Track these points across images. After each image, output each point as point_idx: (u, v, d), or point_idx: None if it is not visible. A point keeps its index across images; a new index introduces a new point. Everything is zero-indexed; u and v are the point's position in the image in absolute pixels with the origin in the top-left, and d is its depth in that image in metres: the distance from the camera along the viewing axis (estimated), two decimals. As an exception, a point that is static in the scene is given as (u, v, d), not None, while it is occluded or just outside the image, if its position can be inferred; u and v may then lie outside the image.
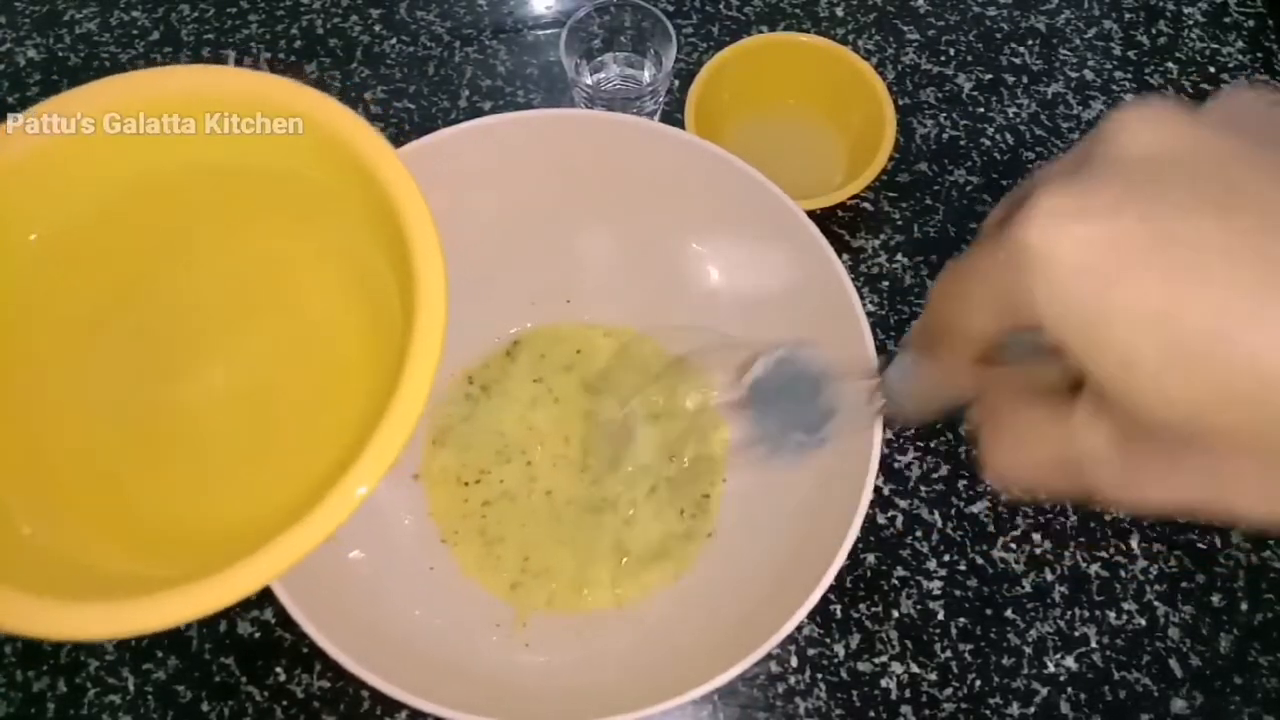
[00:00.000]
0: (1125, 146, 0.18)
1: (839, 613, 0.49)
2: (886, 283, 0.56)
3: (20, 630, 0.24)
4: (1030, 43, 0.63)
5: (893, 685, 0.47)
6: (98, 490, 0.31)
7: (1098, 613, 0.49)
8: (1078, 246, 0.17)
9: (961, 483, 0.51)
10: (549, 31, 0.63)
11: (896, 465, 0.52)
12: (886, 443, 0.52)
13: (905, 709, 0.47)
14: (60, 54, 0.62)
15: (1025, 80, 0.62)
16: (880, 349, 0.41)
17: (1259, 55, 0.63)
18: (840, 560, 0.37)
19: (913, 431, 0.52)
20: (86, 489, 0.31)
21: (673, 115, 0.59)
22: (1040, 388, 0.22)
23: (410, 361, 0.26)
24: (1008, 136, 0.60)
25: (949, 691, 0.47)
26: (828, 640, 0.48)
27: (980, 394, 0.24)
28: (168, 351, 0.34)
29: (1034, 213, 0.18)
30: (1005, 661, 0.48)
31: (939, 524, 0.51)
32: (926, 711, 0.47)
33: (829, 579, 0.37)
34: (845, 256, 0.56)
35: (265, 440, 0.33)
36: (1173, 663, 0.48)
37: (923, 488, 0.51)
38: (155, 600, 0.24)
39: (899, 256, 0.57)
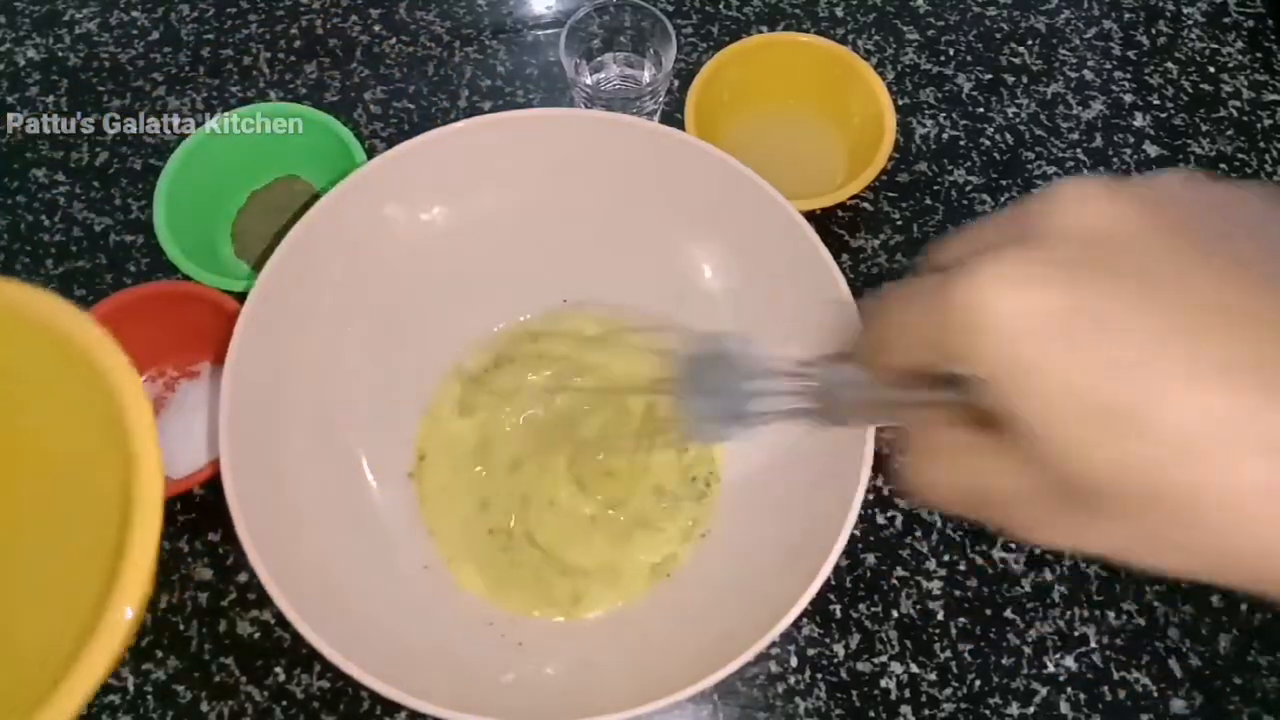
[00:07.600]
0: (1061, 221, 0.20)
1: (839, 613, 0.49)
2: (886, 283, 0.56)
3: None
4: (1030, 43, 0.63)
5: (892, 685, 0.47)
6: None
7: (1098, 613, 0.49)
8: (1016, 313, 0.18)
9: (961, 483, 0.51)
10: (549, 31, 0.63)
11: (896, 465, 0.52)
12: (886, 443, 0.52)
13: (905, 709, 0.47)
14: (60, 54, 0.62)
15: (1025, 80, 0.62)
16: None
17: (1259, 55, 0.63)
18: (834, 558, 0.37)
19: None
20: None
21: (673, 115, 0.59)
22: (972, 413, 0.22)
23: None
24: (1008, 136, 0.60)
25: (949, 691, 0.47)
26: (828, 640, 0.48)
27: (913, 408, 0.25)
28: None
29: (978, 277, 0.19)
30: (1005, 661, 0.48)
31: (939, 524, 0.50)
32: (926, 711, 0.47)
33: (824, 575, 0.37)
34: (845, 256, 0.56)
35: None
36: (1173, 663, 0.48)
37: (922, 488, 0.51)
38: None
39: (899, 256, 0.57)
